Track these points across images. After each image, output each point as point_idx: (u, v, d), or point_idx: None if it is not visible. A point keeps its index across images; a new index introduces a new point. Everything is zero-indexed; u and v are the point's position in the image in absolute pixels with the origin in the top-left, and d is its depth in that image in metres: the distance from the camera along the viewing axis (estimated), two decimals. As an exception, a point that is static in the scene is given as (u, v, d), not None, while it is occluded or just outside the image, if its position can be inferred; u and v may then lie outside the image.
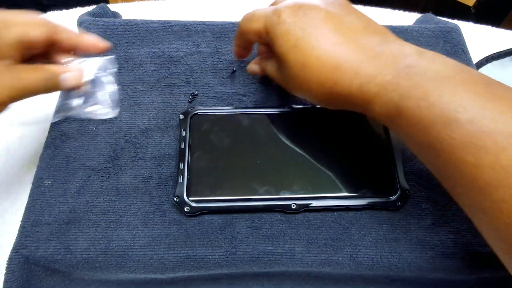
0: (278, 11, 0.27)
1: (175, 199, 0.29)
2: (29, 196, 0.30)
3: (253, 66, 0.34)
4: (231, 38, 0.38)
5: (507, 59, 0.45)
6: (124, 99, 0.34)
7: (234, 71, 0.36)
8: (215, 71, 0.36)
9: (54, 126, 0.33)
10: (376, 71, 0.24)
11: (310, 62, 0.25)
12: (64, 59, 0.29)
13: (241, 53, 0.34)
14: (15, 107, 0.42)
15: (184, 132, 0.32)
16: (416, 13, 0.49)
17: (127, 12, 0.47)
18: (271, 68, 0.31)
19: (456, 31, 0.40)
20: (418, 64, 0.23)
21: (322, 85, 0.25)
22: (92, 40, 0.29)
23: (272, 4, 0.31)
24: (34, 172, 0.31)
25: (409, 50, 0.24)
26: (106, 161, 0.31)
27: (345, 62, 0.24)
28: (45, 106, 0.41)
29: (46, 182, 0.30)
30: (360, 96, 0.24)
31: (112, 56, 0.32)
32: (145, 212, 0.29)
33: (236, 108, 0.34)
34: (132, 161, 0.31)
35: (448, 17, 0.45)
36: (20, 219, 0.29)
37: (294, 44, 0.26)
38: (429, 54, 0.24)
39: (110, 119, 0.33)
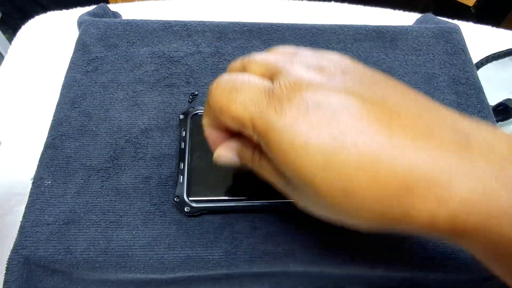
0: (279, 100, 0.18)
1: (175, 199, 0.29)
2: (29, 196, 0.30)
3: (226, 153, 0.23)
4: (231, 38, 0.38)
5: (507, 59, 0.45)
6: (124, 99, 0.34)
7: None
8: (215, 71, 0.36)
9: (54, 126, 0.33)
10: (477, 192, 0.15)
11: (359, 189, 0.16)
12: None
13: (218, 140, 0.23)
14: (15, 108, 0.42)
15: (184, 132, 0.32)
16: (416, 13, 0.49)
17: (127, 12, 0.47)
18: (269, 172, 0.21)
19: (456, 31, 0.40)
20: None
21: (379, 216, 0.17)
22: None
23: (248, 66, 0.21)
24: (34, 172, 0.31)
25: (503, 148, 0.16)
26: (106, 161, 0.31)
27: (419, 180, 0.16)
28: (45, 106, 0.41)
29: (46, 182, 0.30)
30: (449, 229, 0.16)
31: None
32: (145, 212, 0.29)
33: (236, 108, 0.34)
34: (132, 161, 0.31)
35: (448, 17, 0.45)
36: (20, 219, 0.29)
37: (324, 166, 0.17)
38: None
39: (110, 118, 0.33)
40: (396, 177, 0.16)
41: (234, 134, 0.22)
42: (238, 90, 0.19)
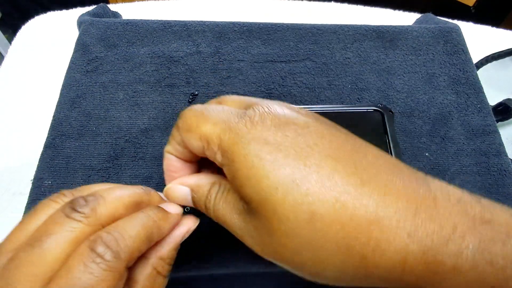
0: (250, 119, 0.18)
1: (175, 199, 0.29)
2: (29, 196, 0.30)
3: (179, 188, 0.21)
4: (231, 38, 0.38)
5: (507, 59, 0.45)
6: (124, 99, 0.34)
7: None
8: (215, 71, 0.36)
9: (54, 126, 0.33)
10: (447, 229, 0.15)
11: (326, 214, 0.15)
12: None
13: (174, 174, 0.22)
14: (15, 108, 0.42)
15: (184, 132, 0.32)
16: (416, 13, 0.49)
17: (127, 12, 0.47)
18: (226, 211, 0.19)
19: (456, 31, 0.40)
20: (492, 216, 0.15)
21: (345, 253, 0.16)
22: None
23: (220, 102, 0.22)
24: (34, 172, 0.31)
25: (458, 193, 0.17)
26: (106, 161, 0.31)
27: (387, 212, 0.15)
28: (45, 106, 0.41)
29: (46, 182, 0.30)
30: (422, 268, 0.15)
31: None
32: (145, 212, 0.29)
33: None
34: (132, 161, 0.31)
35: (448, 17, 0.45)
36: (20, 220, 0.29)
37: (290, 182, 0.16)
38: (486, 201, 0.17)
39: (110, 118, 0.33)
40: (360, 205, 0.15)
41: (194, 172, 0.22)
42: (210, 111, 0.19)
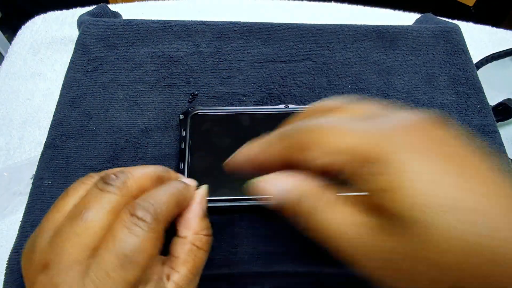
0: (402, 128, 0.16)
1: (175, 199, 0.29)
2: (29, 196, 0.30)
3: (278, 184, 0.18)
4: (231, 38, 0.38)
5: (507, 59, 0.45)
6: (124, 99, 0.34)
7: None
8: (215, 71, 0.36)
9: (54, 126, 0.33)
10: None
11: (501, 246, 0.14)
12: None
13: (262, 163, 0.20)
14: (15, 107, 0.42)
15: (184, 132, 0.32)
16: (416, 13, 0.49)
17: (127, 12, 0.47)
18: (348, 223, 0.16)
19: (456, 31, 0.40)
20: None
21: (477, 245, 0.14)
22: None
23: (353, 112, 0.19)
24: (34, 172, 0.31)
25: None
26: (106, 161, 0.31)
27: None
28: (45, 106, 0.41)
29: (46, 182, 0.30)
30: None
31: None
32: (145, 212, 0.29)
33: (236, 108, 0.34)
34: (132, 161, 0.31)
35: (448, 17, 0.45)
36: (20, 219, 0.29)
37: (459, 200, 0.14)
38: None
39: (110, 118, 0.33)
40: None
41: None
42: (335, 123, 0.17)
